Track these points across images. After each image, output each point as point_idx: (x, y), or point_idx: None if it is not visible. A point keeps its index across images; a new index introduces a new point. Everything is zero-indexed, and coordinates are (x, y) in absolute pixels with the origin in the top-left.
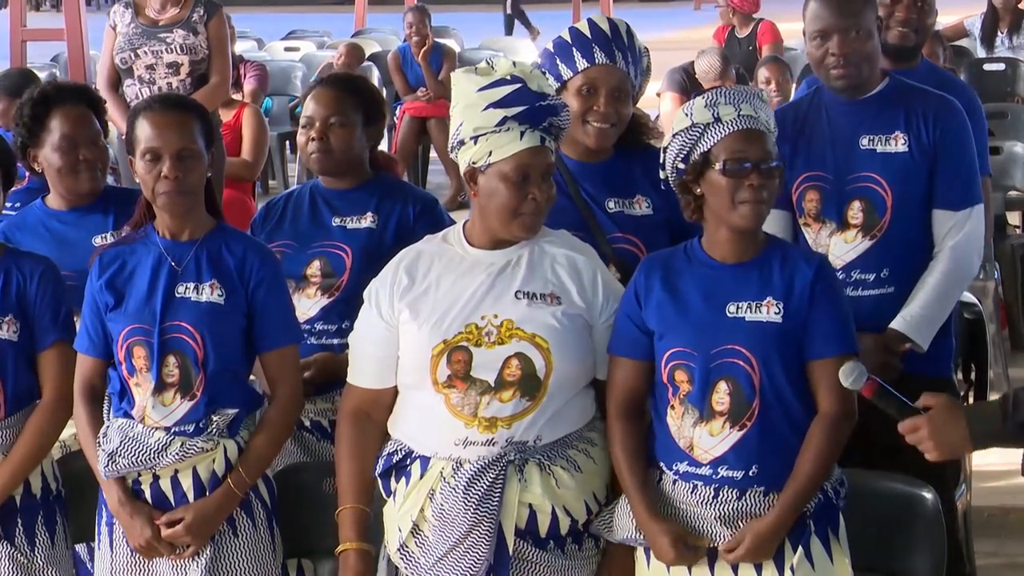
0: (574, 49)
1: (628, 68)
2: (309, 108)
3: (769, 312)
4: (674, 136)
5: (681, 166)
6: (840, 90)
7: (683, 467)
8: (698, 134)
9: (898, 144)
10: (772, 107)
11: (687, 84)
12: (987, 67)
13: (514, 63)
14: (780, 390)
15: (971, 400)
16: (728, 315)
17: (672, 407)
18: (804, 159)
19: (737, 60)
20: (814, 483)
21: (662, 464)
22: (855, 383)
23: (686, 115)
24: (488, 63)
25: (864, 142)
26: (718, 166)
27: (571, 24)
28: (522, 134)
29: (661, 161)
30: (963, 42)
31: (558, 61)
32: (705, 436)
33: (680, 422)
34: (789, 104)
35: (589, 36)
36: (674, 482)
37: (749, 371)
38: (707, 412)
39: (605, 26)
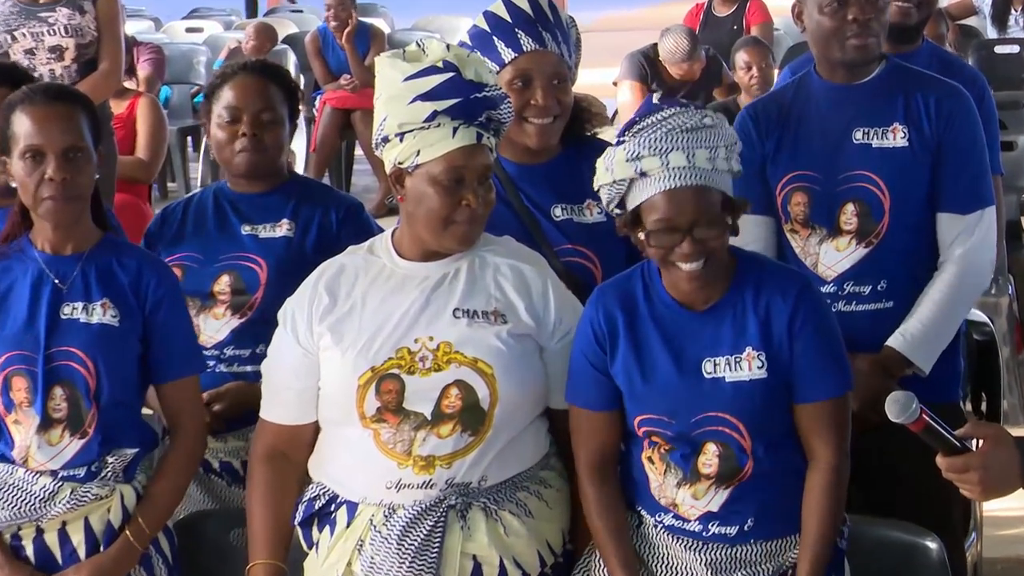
0: (495, 39)
1: (561, 49)
2: (232, 98)
3: (751, 368)
4: (599, 188)
5: (617, 212)
6: (856, 62)
7: (667, 519)
8: (623, 189)
9: (896, 137)
10: (752, 96)
11: (647, 70)
12: (999, 50)
13: (448, 47)
14: (776, 445)
15: None
16: (705, 376)
17: (651, 460)
18: (789, 156)
19: (716, 43)
20: (827, 544)
21: (642, 511)
22: (908, 418)
23: (607, 169)
24: (419, 46)
25: (858, 135)
26: (642, 234)
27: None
28: (455, 131)
29: (596, 185)
30: (971, 21)
31: (480, 55)
32: (688, 498)
33: (662, 479)
34: (772, 93)
35: (510, 20)
36: (655, 525)
37: (738, 437)
38: (692, 474)
39: (525, 5)
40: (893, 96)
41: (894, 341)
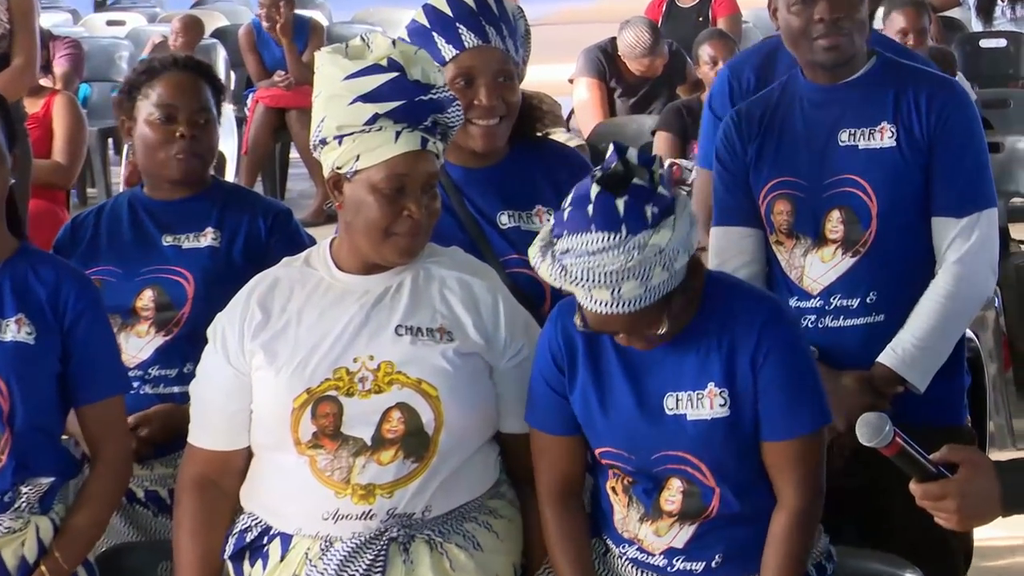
0: (435, 35)
1: (506, 44)
2: (167, 96)
3: (713, 405)
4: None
5: None
6: (827, 64)
7: (631, 551)
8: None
9: (884, 138)
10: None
11: (605, 67)
12: (984, 43)
13: (395, 42)
14: (745, 485)
15: None
16: (667, 412)
17: (614, 490)
18: (772, 162)
19: (680, 36)
20: None
21: (608, 540)
22: (881, 442)
23: (533, 259)
24: (364, 40)
25: (844, 137)
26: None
27: None
28: (397, 135)
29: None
30: (955, 12)
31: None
32: (651, 534)
33: (625, 512)
34: (757, 97)
35: (451, 15)
36: (620, 556)
37: (700, 477)
38: (654, 511)
39: None
40: (881, 94)
41: (885, 357)
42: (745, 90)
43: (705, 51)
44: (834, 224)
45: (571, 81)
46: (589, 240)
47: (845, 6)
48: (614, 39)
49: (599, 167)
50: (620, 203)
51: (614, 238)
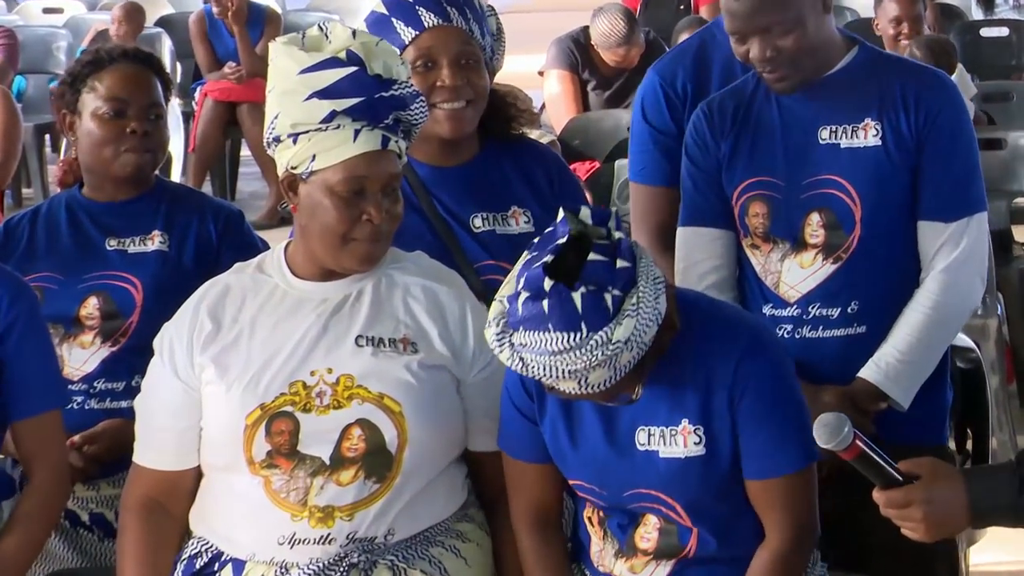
0: (393, 20)
1: (470, 26)
2: (116, 89)
3: (687, 443)
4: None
5: None
6: (781, 92)
7: None
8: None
9: (868, 136)
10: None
11: (577, 58)
12: (985, 32)
13: (354, 33)
14: (725, 525)
15: None
16: (638, 448)
17: (591, 521)
18: (747, 160)
19: (660, 25)
20: None
21: (587, 571)
22: (839, 444)
23: (488, 325)
24: (321, 30)
25: (824, 135)
26: None
27: None
28: (356, 134)
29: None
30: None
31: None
32: (626, 572)
33: (601, 545)
34: (730, 89)
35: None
36: None
37: (675, 517)
38: (628, 548)
39: None
40: (865, 88)
41: (866, 371)
42: (682, 99)
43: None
44: (814, 228)
45: (541, 74)
46: (548, 340)
47: (780, 43)
48: (587, 28)
49: (548, 247)
50: (577, 297)
51: (575, 337)
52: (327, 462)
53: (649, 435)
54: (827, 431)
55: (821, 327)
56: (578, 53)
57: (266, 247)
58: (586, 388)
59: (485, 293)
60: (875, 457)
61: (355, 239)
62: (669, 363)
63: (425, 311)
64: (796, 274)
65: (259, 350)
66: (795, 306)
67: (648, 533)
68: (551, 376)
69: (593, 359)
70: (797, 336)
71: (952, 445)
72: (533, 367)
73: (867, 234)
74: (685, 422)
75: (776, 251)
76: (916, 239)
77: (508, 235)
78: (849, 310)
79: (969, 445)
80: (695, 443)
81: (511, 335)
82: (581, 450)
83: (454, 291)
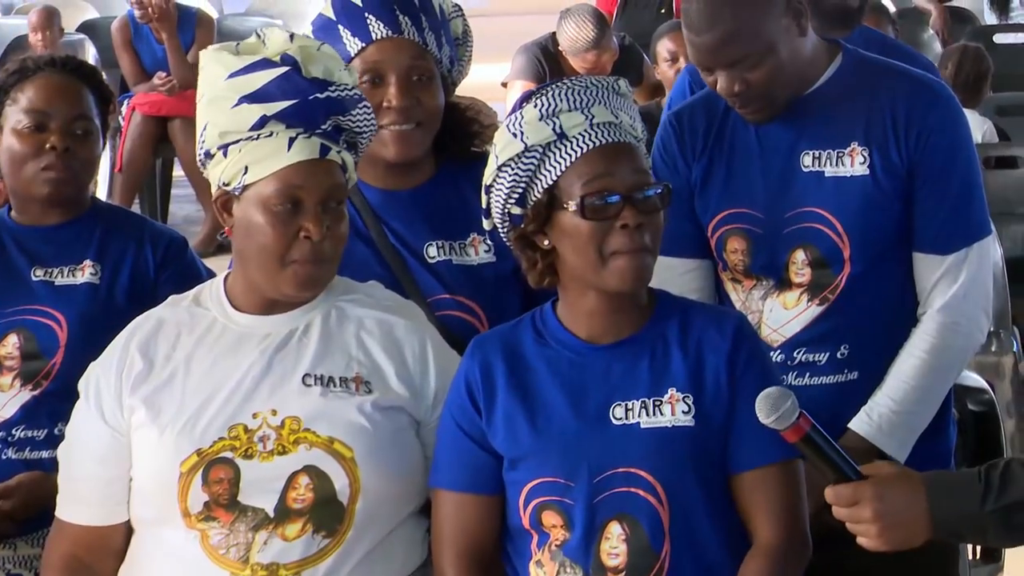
0: (340, 27)
1: (424, 37)
2: (37, 101)
3: (675, 412)
4: (500, 169)
5: (516, 211)
6: (756, 123)
7: None
8: (535, 161)
9: (855, 163)
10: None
11: (544, 68)
12: (999, 38)
13: (292, 36)
14: (698, 528)
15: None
16: (614, 422)
17: (539, 563)
18: (721, 189)
19: (639, 30)
20: None
21: None
22: (781, 422)
23: (514, 135)
24: (258, 37)
25: (807, 161)
26: (572, 205)
27: None
28: (291, 142)
29: (484, 204)
30: (964, 2)
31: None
32: None
33: None
34: (699, 102)
35: (360, 4)
36: None
37: (655, 504)
38: (594, 568)
39: None
40: (850, 105)
41: (857, 423)
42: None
43: (664, 46)
44: (799, 266)
45: (505, 85)
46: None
47: (742, 79)
48: (555, 34)
49: None
50: None
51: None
52: (271, 514)
53: (627, 409)
54: (768, 403)
55: (808, 374)
56: (546, 63)
57: (211, 276)
58: (619, 128)
59: (441, 331)
60: (824, 446)
61: (294, 260)
62: (647, 336)
63: (380, 347)
64: (779, 315)
65: (195, 390)
66: (779, 351)
67: (614, 547)
68: (589, 97)
69: (623, 87)
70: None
71: None
72: (572, 92)
73: (857, 272)
74: (672, 390)
75: (758, 288)
76: (911, 274)
77: (466, 266)
78: (839, 355)
79: None
80: (683, 412)
81: (542, 92)
82: (544, 434)
83: (412, 324)
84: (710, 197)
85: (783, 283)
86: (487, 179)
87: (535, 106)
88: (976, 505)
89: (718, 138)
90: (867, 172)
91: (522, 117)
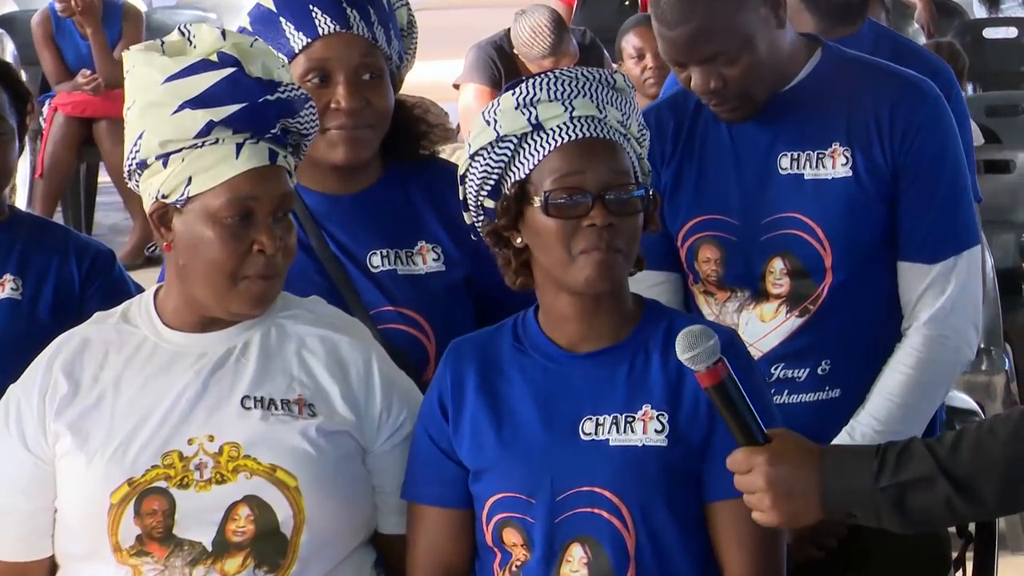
0: (282, 20)
1: (375, 33)
2: None
3: (647, 431)
4: (473, 158)
5: (489, 204)
6: (732, 122)
7: None
8: (508, 153)
9: (836, 165)
10: (647, 97)
11: (499, 70)
12: (989, 33)
13: (224, 34)
14: (670, 556)
15: (969, 565)
16: (582, 438)
17: None
18: (692, 195)
19: (601, 25)
20: None
21: None
22: (697, 361)
23: (488, 123)
24: (184, 34)
25: (784, 163)
26: (538, 201)
27: None
28: (239, 148)
29: (461, 196)
30: None
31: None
32: None
33: None
34: (668, 101)
35: None
36: None
37: (619, 528)
38: None
39: None
40: (831, 103)
41: (840, 444)
42: None
43: (630, 42)
44: (777, 276)
45: (456, 86)
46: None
47: (717, 75)
48: (511, 32)
49: None
50: None
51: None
52: (209, 548)
53: (597, 424)
54: (687, 341)
55: (787, 391)
56: (500, 64)
57: (140, 291)
58: (602, 123)
59: (384, 345)
60: (737, 400)
61: (247, 277)
62: (626, 348)
63: (324, 366)
64: (756, 329)
65: (126, 414)
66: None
67: (574, 571)
68: (571, 88)
69: (619, 80)
70: None
71: (953, 528)
72: (554, 82)
73: (839, 282)
74: (647, 407)
75: (732, 301)
76: (896, 284)
77: (412, 275)
78: (819, 371)
79: (972, 527)
80: (656, 431)
81: (503, 103)
82: (509, 445)
83: (356, 342)
84: (680, 203)
85: (760, 294)
86: (461, 168)
87: (513, 94)
88: (869, 481)
89: (688, 140)
90: (850, 174)
91: (499, 104)
